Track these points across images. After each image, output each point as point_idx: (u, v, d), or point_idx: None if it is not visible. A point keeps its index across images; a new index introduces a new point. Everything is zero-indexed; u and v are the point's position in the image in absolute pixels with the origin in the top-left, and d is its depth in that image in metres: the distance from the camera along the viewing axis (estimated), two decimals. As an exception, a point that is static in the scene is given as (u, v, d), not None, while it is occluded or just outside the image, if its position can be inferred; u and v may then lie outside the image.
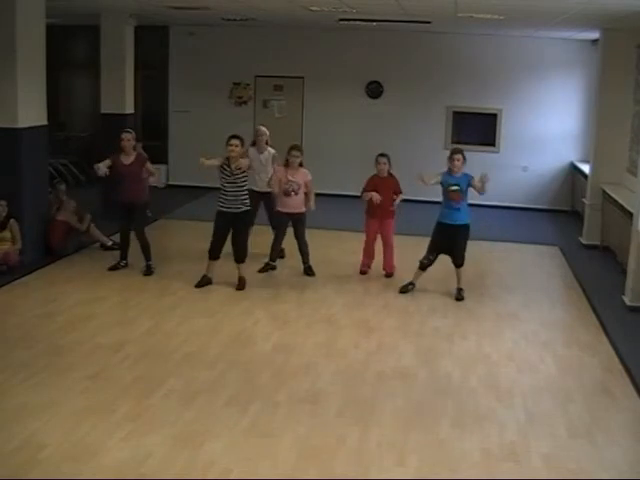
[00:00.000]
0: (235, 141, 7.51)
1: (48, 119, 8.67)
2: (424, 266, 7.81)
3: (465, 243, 7.75)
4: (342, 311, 7.26)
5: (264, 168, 8.54)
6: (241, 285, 7.77)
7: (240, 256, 7.76)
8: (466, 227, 7.69)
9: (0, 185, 8.06)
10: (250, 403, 5.13)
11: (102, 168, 7.93)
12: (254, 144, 8.69)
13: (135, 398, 5.14)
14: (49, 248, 8.64)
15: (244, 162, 7.61)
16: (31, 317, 6.73)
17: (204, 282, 7.81)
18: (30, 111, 8.22)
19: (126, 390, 5.28)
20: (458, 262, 7.75)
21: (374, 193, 8.11)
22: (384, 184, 8.19)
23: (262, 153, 8.64)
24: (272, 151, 8.67)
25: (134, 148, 8.21)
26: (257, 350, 6.19)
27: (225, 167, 7.58)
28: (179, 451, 4.46)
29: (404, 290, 7.86)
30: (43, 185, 8.82)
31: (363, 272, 8.47)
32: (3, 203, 8.05)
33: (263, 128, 8.75)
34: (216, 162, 7.56)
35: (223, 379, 5.54)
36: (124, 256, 8.33)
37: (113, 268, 8.24)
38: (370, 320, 7.03)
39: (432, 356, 6.21)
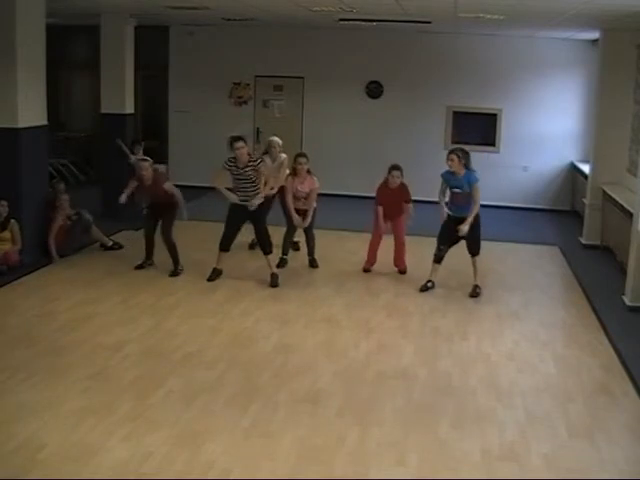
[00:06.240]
0: (240, 143, 7.65)
1: (48, 119, 8.67)
2: (438, 259, 7.92)
3: (477, 233, 7.76)
4: (342, 311, 7.26)
5: (275, 173, 8.71)
6: (274, 282, 7.85)
7: (264, 247, 7.86)
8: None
9: (0, 185, 8.06)
10: (250, 403, 5.14)
11: (123, 197, 7.99)
12: (266, 153, 8.88)
13: (135, 398, 5.14)
14: (48, 252, 8.61)
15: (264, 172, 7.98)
16: (31, 317, 6.73)
17: (215, 275, 7.92)
18: (30, 111, 8.21)
19: (126, 390, 5.28)
20: (472, 251, 7.81)
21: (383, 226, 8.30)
22: (395, 195, 8.27)
23: (275, 161, 8.87)
24: (283, 156, 8.91)
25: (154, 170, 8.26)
26: (257, 350, 6.18)
27: (232, 166, 7.69)
28: (179, 451, 4.46)
29: (424, 288, 7.95)
30: (43, 185, 8.82)
31: (367, 270, 8.53)
32: (4, 203, 8.04)
33: (276, 139, 8.95)
34: (233, 196, 7.79)
35: (223, 379, 5.55)
36: (149, 256, 8.35)
37: (139, 267, 8.26)
38: (370, 320, 7.03)
39: (432, 356, 6.21)
